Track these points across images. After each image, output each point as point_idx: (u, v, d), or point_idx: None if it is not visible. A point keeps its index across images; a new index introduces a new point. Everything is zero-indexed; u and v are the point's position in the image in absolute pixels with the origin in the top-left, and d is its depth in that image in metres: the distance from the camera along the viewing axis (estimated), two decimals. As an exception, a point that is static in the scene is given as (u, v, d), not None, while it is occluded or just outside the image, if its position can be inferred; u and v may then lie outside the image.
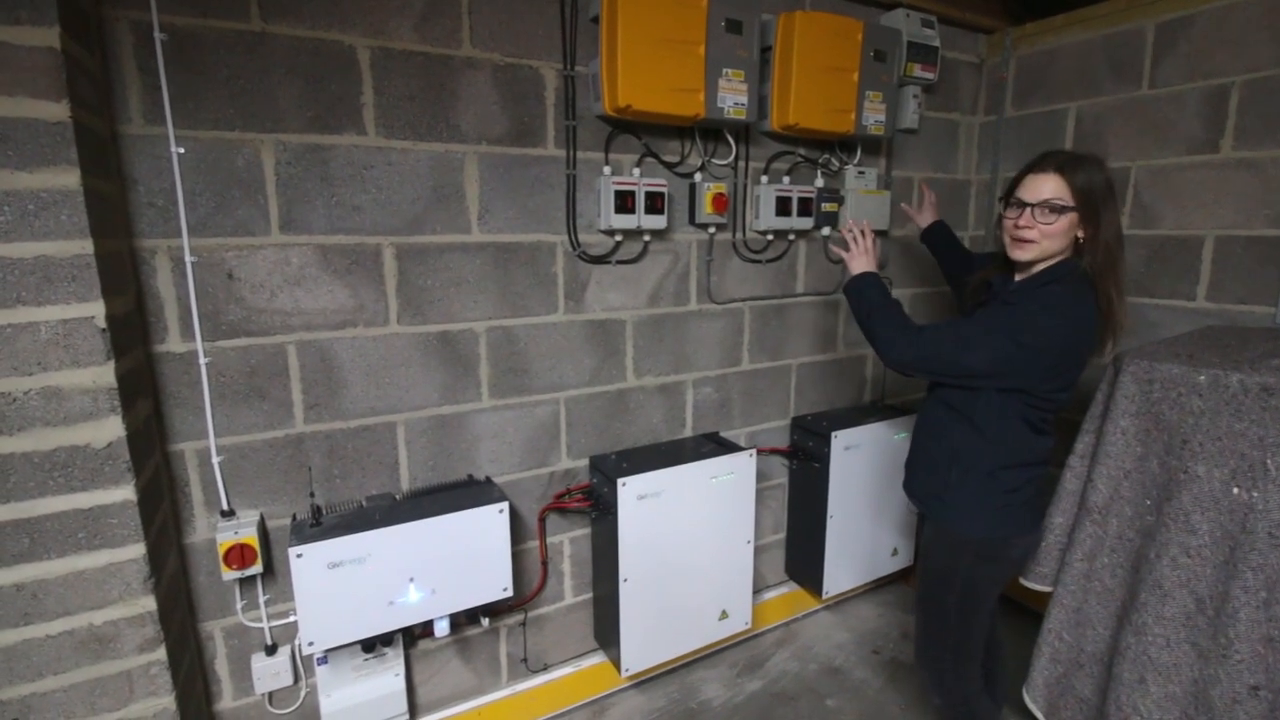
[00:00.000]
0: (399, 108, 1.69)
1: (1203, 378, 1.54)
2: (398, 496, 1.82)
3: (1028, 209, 1.43)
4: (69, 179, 1.22)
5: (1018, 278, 1.55)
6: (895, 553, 2.71)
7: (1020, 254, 1.47)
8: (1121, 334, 1.49)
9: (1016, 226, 1.45)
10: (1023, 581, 1.86)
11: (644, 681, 2.36)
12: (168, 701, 1.45)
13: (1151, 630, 1.61)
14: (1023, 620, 2.68)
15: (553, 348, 2.03)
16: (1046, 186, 1.41)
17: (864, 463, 2.49)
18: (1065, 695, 1.84)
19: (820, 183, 2.38)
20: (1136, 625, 1.63)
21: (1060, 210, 1.40)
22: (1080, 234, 1.44)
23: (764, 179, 2.28)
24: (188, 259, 1.52)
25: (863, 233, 1.70)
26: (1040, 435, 1.56)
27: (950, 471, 1.58)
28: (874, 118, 2.26)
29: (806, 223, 2.32)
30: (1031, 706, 1.84)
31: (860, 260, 1.67)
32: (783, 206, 2.25)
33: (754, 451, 2.19)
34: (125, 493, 1.34)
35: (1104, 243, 1.42)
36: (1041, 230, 1.42)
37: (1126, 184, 2.39)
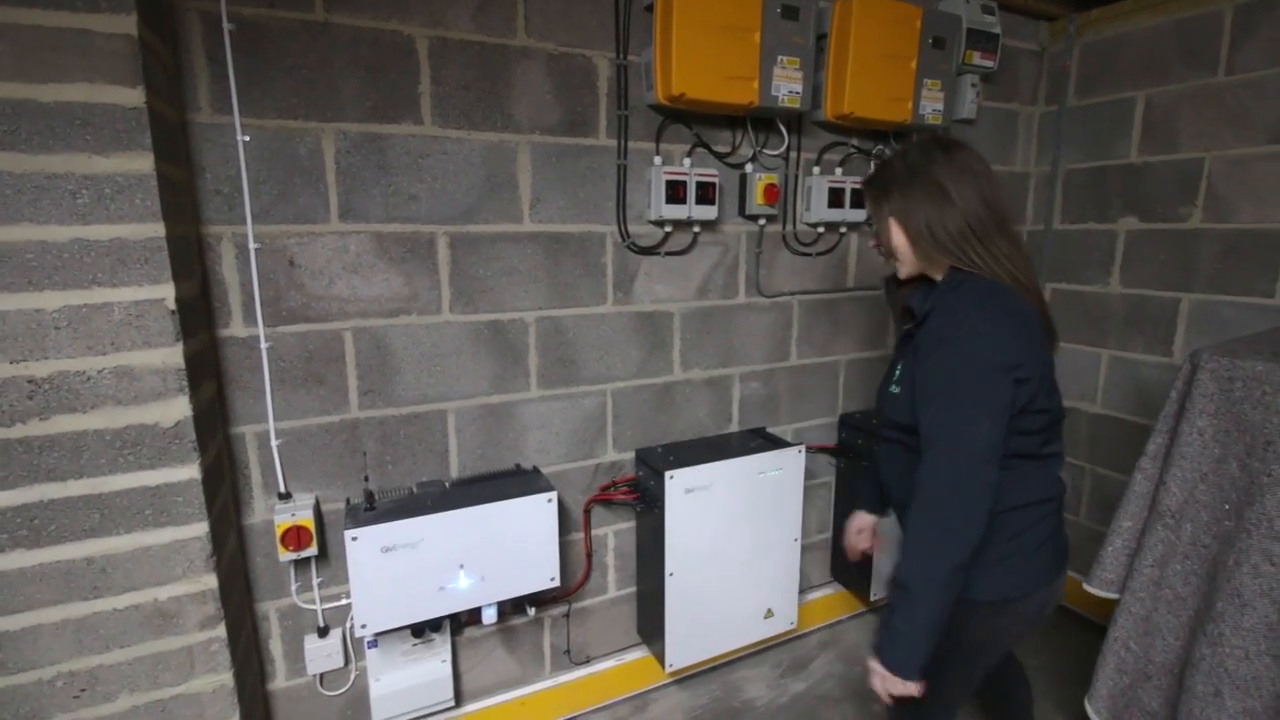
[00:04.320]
0: (455, 97, 1.70)
1: (1290, 376, 1.45)
2: (447, 484, 1.83)
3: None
4: (143, 164, 1.25)
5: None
6: (945, 556, 2.64)
7: (900, 272, 1.35)
8: (1029, 295, 1.24)
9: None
10: (1086, 587, 1.79)
11: (686, 678, 2.34)
12: (226, 678, 1.48)
13: (1229, 641, 1.53)
14: (1081, 629, 2.59)
15: (600, 339, 2.02)
16: (868, 209, 1.35)
17: (914, 462, 2.43)
18: (1131, 708, 1.76)
19: (873, 174, 2.32)
20: (1212, 636, 1.55)
21: (872, 224, 1.31)
22: (899, 234, 1.27)
23: (816, 170, 2.24)
24: (251, 245, 1.55)
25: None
26: (1046, 460, 1.29)
27: None
28: (931, 107, 2.20)
29: (860, 215, 2.27)
30: (1095, 718, 1.77)
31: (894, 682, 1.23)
32: (835, 198, 2.21)
33: (803, 448, 2.15)
34: (191, 471, 1.37)
35: (922, 229, 1.23)
36: (885, 248, 1.32)
37: (1200, 175, 2.28)
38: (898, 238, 1.28)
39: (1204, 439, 1.61)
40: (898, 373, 1.33)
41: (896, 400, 1.30)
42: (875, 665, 1.24)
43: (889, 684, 1.22)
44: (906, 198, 1.24)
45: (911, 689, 1.21)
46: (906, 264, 1.31)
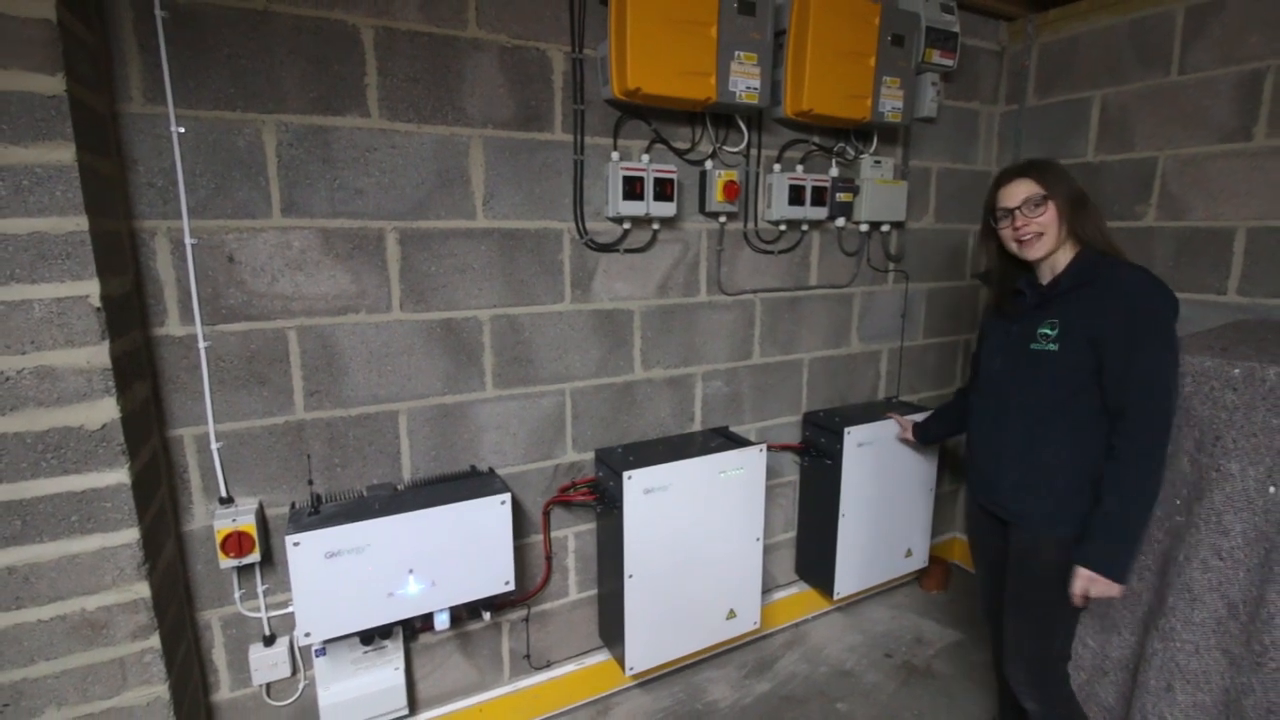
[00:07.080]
0: (403, 89, 1.66)
1: (1237, 371, 1.47)
2: (399, 487, 1.79)
3: (1015, 212, 1.54)
4: (64, 154, 1.20)
5: (1049, 276, 1.57)
6: (909, 554, 2.64)
7: (1033, 252, 1.54)
8: None
9: (1016, 229, 1.54)
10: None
11: (649, 681, 2.31)
12: (161, 690, 1.43)
13: (1180, 636, 1.54)
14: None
15: (558, 337, 1.99)
16: (1022, 189, 1.53)
17: (878, 460, 2.43)
18: (1088, 703, 1.76)
19: (835, 172, 2.32)
20: (1164, 631, 1.56)
21: (1042, 201, 1.51)
22: (1060, 213, 1.52)
23: (777, 167, 2.23)
24: (188, 241, 1.49)
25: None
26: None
27: (1057, 484, 1.53)
28: (891, 104, 2.20)
29: (820, 213, 2.26)
30: (1052, 713, 1.77)
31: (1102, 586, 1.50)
32: (796, 195, 2.20)
33: (764, 447, 2.14)
34: (119, 476, 1.32)
35: (1080, 211, 1.53)
36: (1039, 224, 1.51)
37: (1154, 174, 2.30)
38: (1051, 215, 1.50)
39: (1155, 434, 1.61)
40: (1051, 330, 1.53)
41: (1054, 358, 1.51)
42: (1089, 573, 1.48)
43: (1096, 586, 1.48)
44: (1073, 190, 1.51)
45: (1115, 590, 1.48)
46: (1051, 238, 1.51)
